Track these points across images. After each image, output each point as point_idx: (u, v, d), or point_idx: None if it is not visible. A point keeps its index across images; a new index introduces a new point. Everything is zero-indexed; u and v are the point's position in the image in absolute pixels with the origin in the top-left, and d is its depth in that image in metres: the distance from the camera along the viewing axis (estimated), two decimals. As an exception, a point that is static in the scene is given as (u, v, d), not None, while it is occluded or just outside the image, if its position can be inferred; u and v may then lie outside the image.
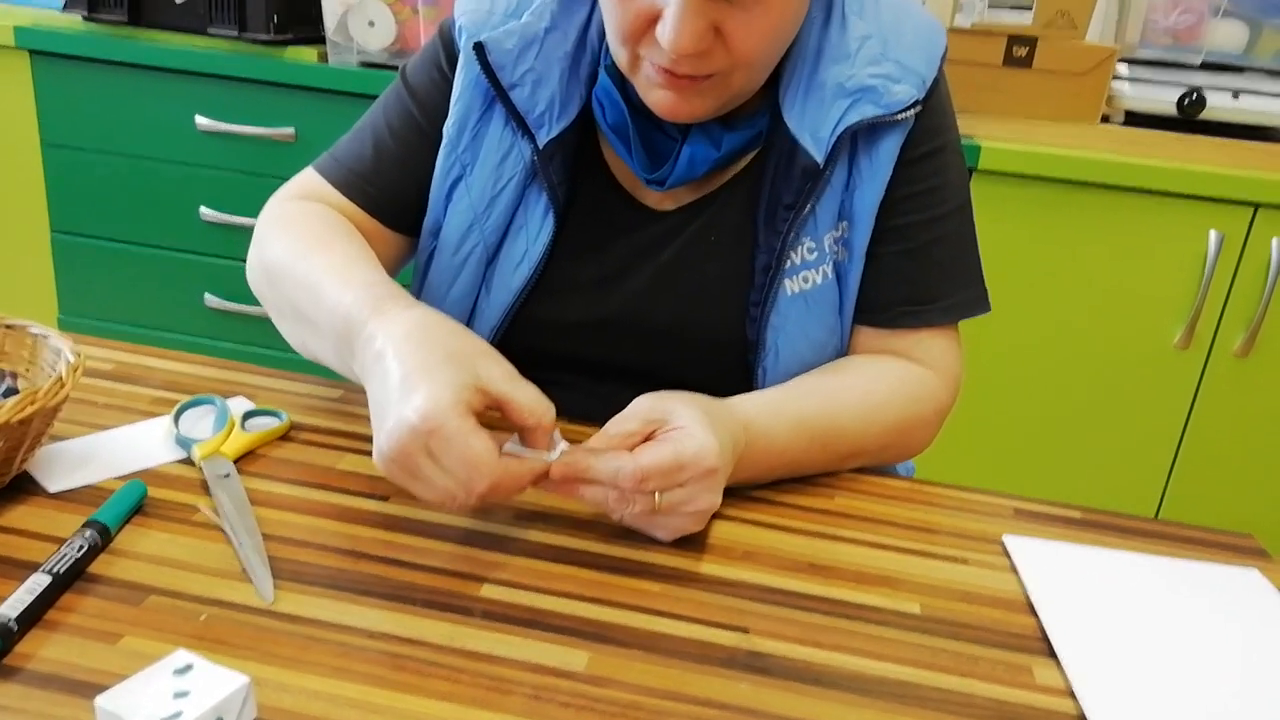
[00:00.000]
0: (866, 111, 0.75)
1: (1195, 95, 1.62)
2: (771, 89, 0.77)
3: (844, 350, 0.82)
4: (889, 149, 0.77)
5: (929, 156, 0.79)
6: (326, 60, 1.70)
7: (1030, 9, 1.58)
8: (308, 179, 0.83)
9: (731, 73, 0.71)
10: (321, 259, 0.71)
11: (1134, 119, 1.67)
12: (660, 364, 0.81)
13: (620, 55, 0.73)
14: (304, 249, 0.73)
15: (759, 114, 0.78)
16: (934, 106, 0.79)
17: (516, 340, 0.82)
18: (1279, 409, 1.63)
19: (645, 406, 0.64)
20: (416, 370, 0.57)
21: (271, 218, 0.79)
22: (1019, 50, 1.61)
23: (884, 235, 0.79)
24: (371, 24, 1.66)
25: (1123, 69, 1.67)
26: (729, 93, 0.73)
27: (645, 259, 0.81)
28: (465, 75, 0.79)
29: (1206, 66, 1.65)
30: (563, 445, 0.61)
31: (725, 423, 0.64)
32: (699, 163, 0.77)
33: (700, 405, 0.64)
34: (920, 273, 0.80)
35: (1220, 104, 1.63)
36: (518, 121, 0.78)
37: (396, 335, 0.60)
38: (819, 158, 0.75)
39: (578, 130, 0.79)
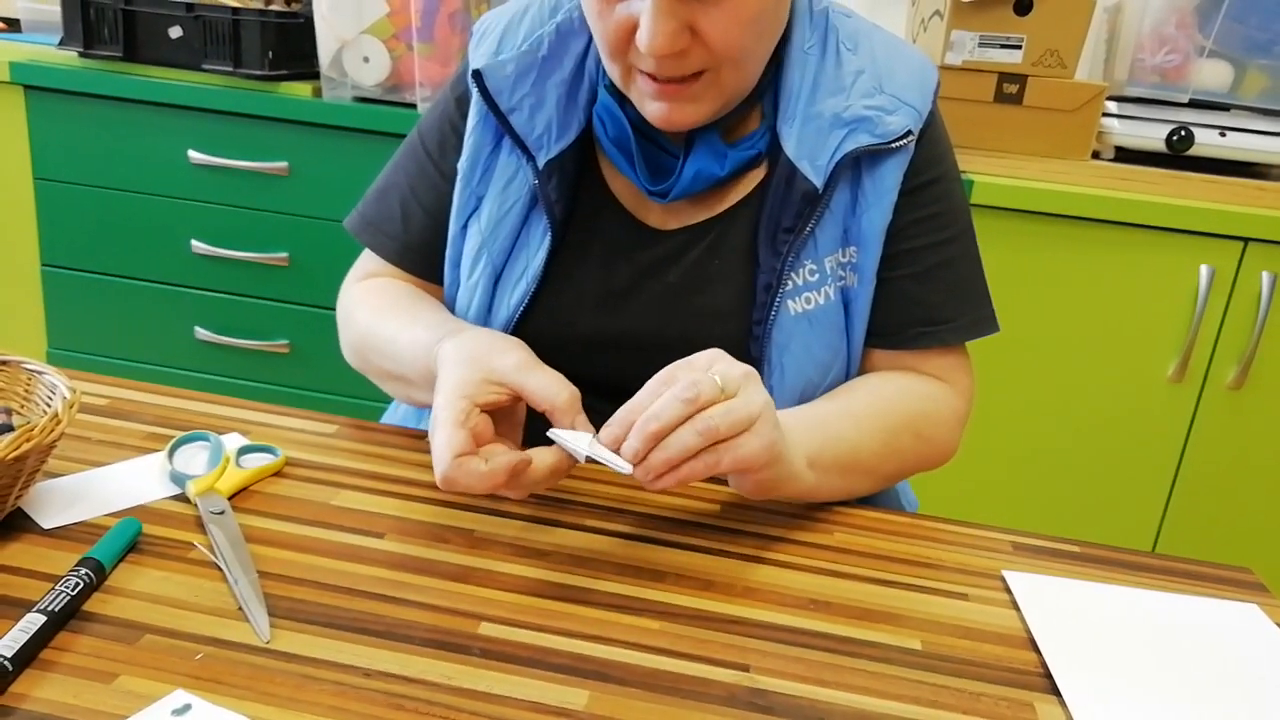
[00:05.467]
0: (862, 140, 0.77)
1: (1184, 132, 1.64)
2: (771, 114, 0.79)
3: (850, 373, 0.83)
4: (891, 174, 0.79)
5: (929, 185, 0.81)
6: (321, 95, 1.71)
7: (1020, 47, 1.61)
8: (365, 262, 0.91)
9: (719, 70, 0.72)
10: (394, 323, 0.80)
11: (1124, 155, 1.68)
12: None
13: (613, 71, 0.75)
14: (379, 320, 0.82)
15: (759, 134, 0.80)
16: (932, 137, 0.81)
17: None
18: (1273, 441, 1.64)
19: (672, 365, 0.63)
20: (444, 386, 0.65)
21: (347, 302, 0.88)
22: (1009, 87, 1.63)
23: (892, 260, 0.80)
24: (366, 60, 1.67)
25: (1112, 106, 1.69)
26: (722, 94, 0.74)
27: (649, 278, 0.82)
28: (476, 112, 0.83)
29: (1194, 104, 1.67)
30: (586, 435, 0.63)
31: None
32: (703, 177, 0.78)
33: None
34: (930, 295, 0.82)
35: (1208, 141, 1.65)
36: (519, 145, 0.80)
37: (447, 359, 0.68)
38: (818, 183, 0.77)
39: (577, 153, 0.81)
